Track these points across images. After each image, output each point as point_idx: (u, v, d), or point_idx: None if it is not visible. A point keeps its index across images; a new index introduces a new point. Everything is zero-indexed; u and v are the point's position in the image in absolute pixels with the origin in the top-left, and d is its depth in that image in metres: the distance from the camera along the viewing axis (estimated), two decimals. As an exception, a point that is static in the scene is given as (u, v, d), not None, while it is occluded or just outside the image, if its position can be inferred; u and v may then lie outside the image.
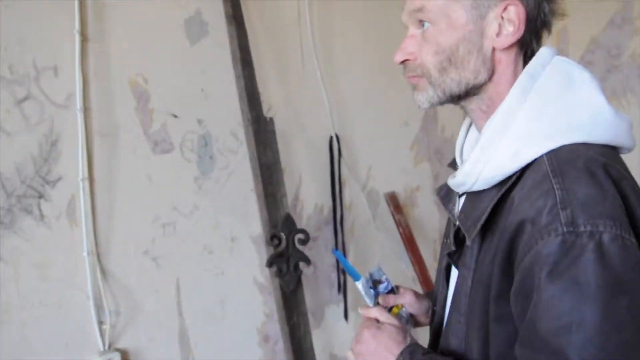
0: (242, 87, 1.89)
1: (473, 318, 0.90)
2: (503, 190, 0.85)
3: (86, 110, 1.70)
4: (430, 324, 1.14)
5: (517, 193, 0.83)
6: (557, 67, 0.88)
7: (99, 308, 1.73)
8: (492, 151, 0.86)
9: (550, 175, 0.79)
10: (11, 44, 1.59)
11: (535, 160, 0.83)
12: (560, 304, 0.73)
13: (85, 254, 1.69)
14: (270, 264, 1.89)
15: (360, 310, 1.17)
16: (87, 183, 1.71)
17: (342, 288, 2.28)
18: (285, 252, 1.90)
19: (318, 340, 2.09)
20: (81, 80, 1.68)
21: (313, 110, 2.19)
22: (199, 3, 1.90)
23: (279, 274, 1.90)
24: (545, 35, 0.92)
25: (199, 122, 1.93)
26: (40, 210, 1.64)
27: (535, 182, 0.80)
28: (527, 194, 0.80)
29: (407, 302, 1.21)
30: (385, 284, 1.26)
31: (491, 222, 0.87)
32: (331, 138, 2.24)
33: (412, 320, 1.23)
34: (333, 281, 2.29)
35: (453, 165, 1.07)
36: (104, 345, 1.73)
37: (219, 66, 1.94)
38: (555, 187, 0.78)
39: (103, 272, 1.75)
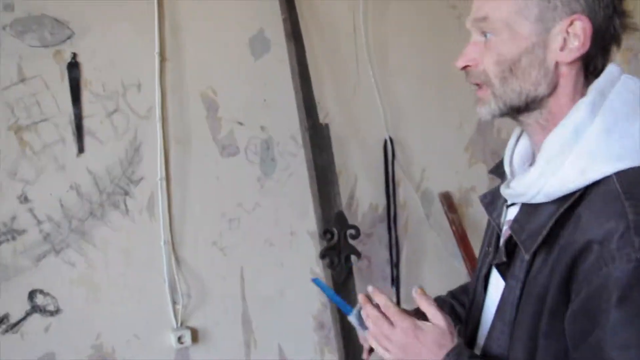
0: (300, 99, 2.09)
1: (520, 331, 0.89)
2: (565, 206, 0.83)
3: (164, 120, 1.98)
4: (464, 324, 1.10)
5: (583, 211, 0.81)
6: (627, 85, 0.86)
7: (173, 291, 2.01)
8: (557, 166, 0.84)
9: (622, 197, 0.77)
10: (104, 66, 1.89)
11: (602, 179, 0.81)
12: (629, 330, 0.74)
13: (162, 243, 1.98)
14: (322, 255, 2.09)
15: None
16: (164, 182, 1.98)
17: (395, 282, 2.42)
18: (337, 246, 2.09)
19: (369, 329, 2.25)
20: (160, 94, 1.96)
21: (368, 115, 2.34)
22: (262, 23, 2.12)
23: (331, 265, 2.09)
24: (614, 49, 0.90)
25: (262, 128, 2.16)
26: (125, 205, 1.94)
27: (605, 203, 0.79)
28: (595, 213, 0.79)
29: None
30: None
31: (549, 236, 0.85)
32: (385, 141, 2.38)
33: None
34: (387, 275, 2.43)
35: (496, 172, 1.07)
36: (177, 322, 2.01)
37: (280, 78, 2.14)
38: (628, 210, 0.76)
39: (177, 259, 2.02)
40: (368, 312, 1.00)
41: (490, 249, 1.03)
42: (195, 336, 2.06)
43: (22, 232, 1.81)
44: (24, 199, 1.81)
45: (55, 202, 1.85)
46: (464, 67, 0.93)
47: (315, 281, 1.30)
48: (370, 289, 1.03)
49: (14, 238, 1.80)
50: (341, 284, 2.10)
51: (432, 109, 2.46)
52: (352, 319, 1.08)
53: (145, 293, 1.98)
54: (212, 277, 2.09)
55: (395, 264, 2.40)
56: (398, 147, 2.40)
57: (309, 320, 2.28)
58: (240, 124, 2.11)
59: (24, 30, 1.78)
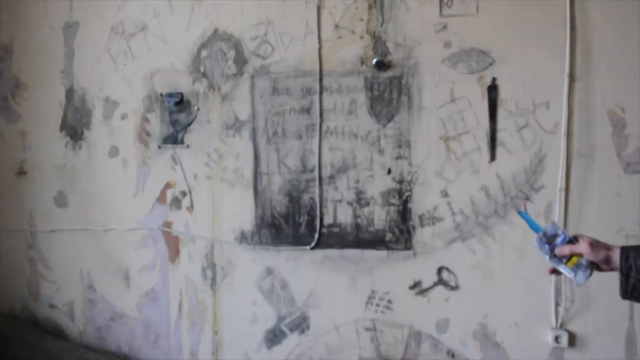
0: None
1: None
2: None
3: (569, 135, 2.15)
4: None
5: None
6: None
7: (558, 292, 2.18)
8: None
9: None
10: (518, 87, 2.18)
11: None
12: None
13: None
14: None
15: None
16: (563, 193, 2.16)
17: None
18: None
19: None
20: (567, 111, 2.14)
21: None
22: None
23: None
24: None
25: (674, 147, 2.08)
26: (525, 209, 2.20)
27: None
28: None
29: (583, 251, 1.25)
30: (562, 237, 1.32)
31: None
32: None
33: (592, 267, 1.27)
34: None
35: None
36: (556, 322, 2.18)
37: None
38: None
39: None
40: None
41: None
42: (572, 340, 2.17)
43: (440, 219, 2.30)
44: (445, 194, 2.28)
45: (467, 199, 2.26)
46: None
47: (520, 213, 1.53)
48: None
49: (434, 223, 2.30)
50: None
51: None
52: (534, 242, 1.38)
53: (531, 288, 2.21)
54: (600, 288, 2.15)
55: None
56: None
57: None
58: (648, 141, 2.09)
59: (457, 61, 2.24)
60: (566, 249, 1.33)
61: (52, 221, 2.83)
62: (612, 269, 1.27)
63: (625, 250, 1.23)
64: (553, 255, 1.35)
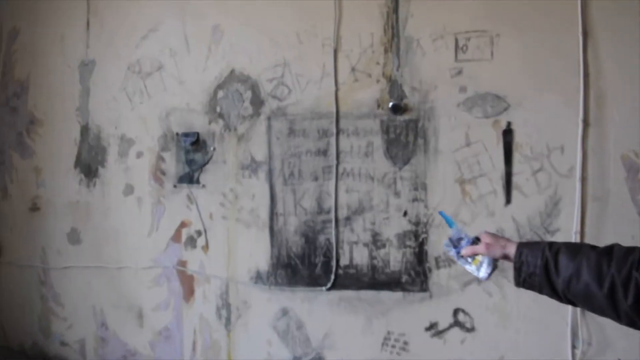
0: None
1: None
2: None
3: (583, 179, 2.17)
4: None
5: None
6: None
7: (574, 334, 2.18)
8: None
9: None
10: (533, 132, 2.21)
11: None
12: None
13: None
14: None
15: None
16: (578, 236, 2.17)
17: None
18: None
19: None
20: (581, 156, 2.16)
21: None
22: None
23: None
24: None
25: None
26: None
27: None
28: None
29: (481, 251, 1.40)
30: (465, 239, 1.47)
31: None
32: None
33: (494, 263, 1.43)
34: None
35: None
36: (575, 365, 2.18)
37: None
38: None
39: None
40: None
41: None
42: (595, 385, 2.17)
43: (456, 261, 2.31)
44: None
45: (482, 241, 2.27)
46: None
47: (441, 213, 1.63)
48: None
49: (449, 265, 2.31)
50: None
51: None
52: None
53: (548, 330, 2.21)
54: (615, 331, 2.15)
55: None
56: None
57: None
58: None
59: (472, 105, 2.28)
60: (468, 250, 1.46)
61: (65, 258, 2.83)
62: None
63: (519, 247, 1.37)
64: (460, 257, 1.49)
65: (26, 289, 2.90)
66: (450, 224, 1.55)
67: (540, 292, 1.35)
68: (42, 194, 2.88)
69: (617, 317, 1.18)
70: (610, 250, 1.22)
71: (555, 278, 1.28)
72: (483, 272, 1.46)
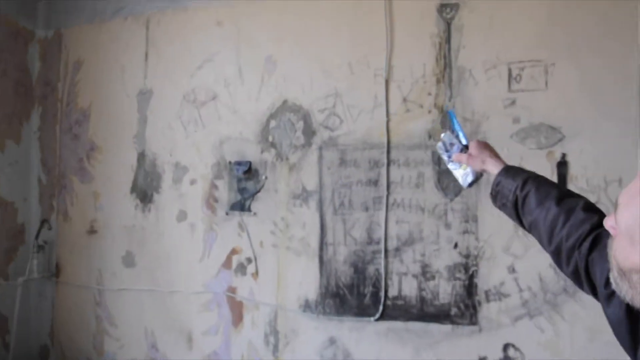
0: None
1: None
2: None
3: None
4: None
5: None
6: None
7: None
8: None
9: None
10: (589, 164, 2.17)
11: None
12: None
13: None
14: None
15: None
16: (636, 273, 2.10)
17: None
18: None
19: None
20: None
21: None
22: None
23: None
24: None
25: None
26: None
27: None
28: None
29: (463, 160, 1.46)
30: (456, 145, 1.51)
31: None
32: None
33: (478, 174, 1.49)
34: None
35: None
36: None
37: None
38: None
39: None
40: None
41: None
42: None
43: (507, 295, 2.27)
44: (512, 269, 2.26)
45: (535, 275, 2.23)
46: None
47: (450, 113, 1.63)
48: None
49: (500, 299, 2.27)
50: None
51: None
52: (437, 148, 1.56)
53: (607, 372, 2.14)
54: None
55: None
56: None
57: None
58: None
59: (525, 136, 2.25)
60: (455, 158, 1.51)
61: (120, 280, 2.92)
62: None
63: (499, 175, 1.39)
64: (451, 160, 1.53)
65: (82, 308, 3.00)
66: (454, 125, 1.56)
67: (514, 220, 1.39)
68: (100, 218, 3.00)
69: (562, 271, 1.23)
70: (572, 208, 1.22)
71: (522, 217, 1.33)
72: (465, 180, 1.52)
